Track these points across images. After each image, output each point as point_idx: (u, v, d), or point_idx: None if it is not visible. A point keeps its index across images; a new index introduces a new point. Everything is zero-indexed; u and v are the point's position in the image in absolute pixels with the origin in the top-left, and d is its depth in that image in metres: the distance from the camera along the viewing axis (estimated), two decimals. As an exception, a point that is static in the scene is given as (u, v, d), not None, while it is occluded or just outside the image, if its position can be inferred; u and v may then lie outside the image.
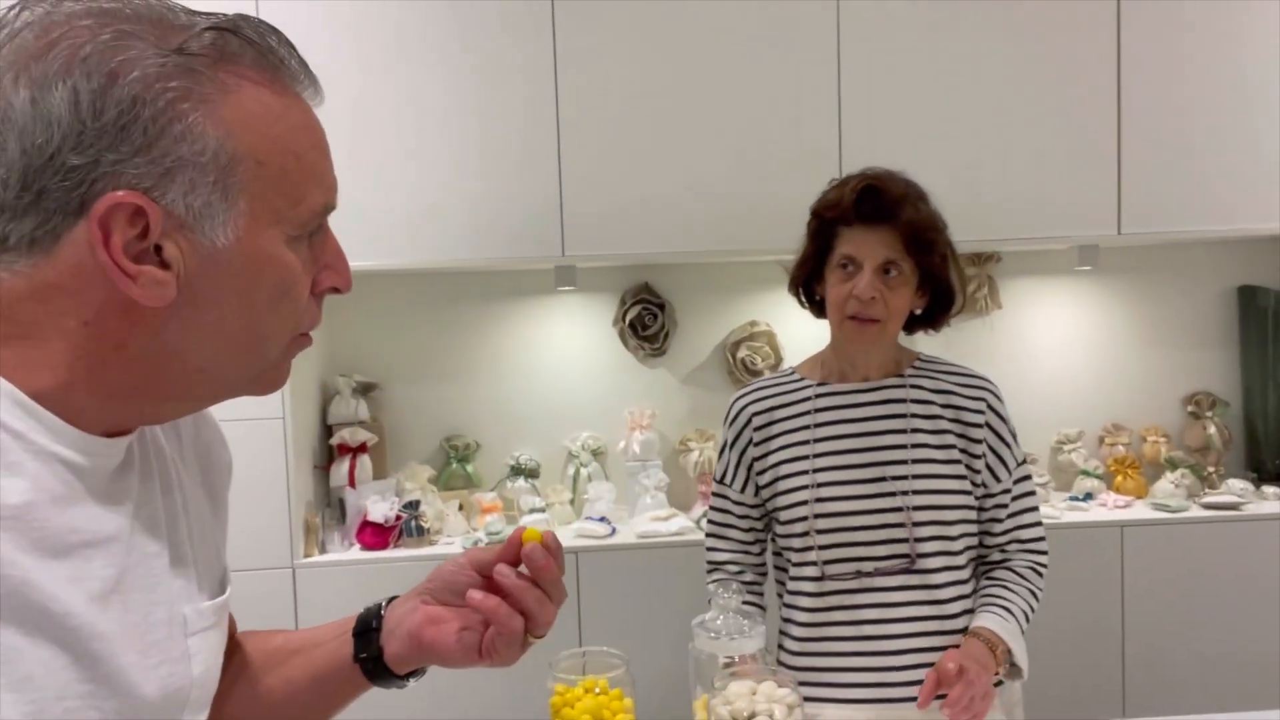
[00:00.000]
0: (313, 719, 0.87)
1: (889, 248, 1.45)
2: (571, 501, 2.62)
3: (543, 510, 2.52)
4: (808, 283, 1.57)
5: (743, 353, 2.66)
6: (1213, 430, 2.67)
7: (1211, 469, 2.61)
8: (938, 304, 1.52)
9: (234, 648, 0.86)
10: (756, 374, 2.65)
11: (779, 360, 2.68)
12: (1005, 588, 1.49)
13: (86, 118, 0.56)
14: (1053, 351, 2.74)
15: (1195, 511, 2.44)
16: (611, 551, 2.37)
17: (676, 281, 2.70)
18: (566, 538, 2.41)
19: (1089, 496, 2.54)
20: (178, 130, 0.59)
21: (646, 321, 2.64)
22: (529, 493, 2.59)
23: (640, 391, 2.71)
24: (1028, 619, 1.47)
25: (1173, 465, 2.57)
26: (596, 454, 2.67)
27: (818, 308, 1.59)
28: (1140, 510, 2.48)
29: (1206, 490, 2.53)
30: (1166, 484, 2.52)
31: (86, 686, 0.60)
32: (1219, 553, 2.37)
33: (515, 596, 0.78)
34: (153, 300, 0.60)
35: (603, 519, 2.44)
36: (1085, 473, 2.61)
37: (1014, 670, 1.45)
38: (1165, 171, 2.37)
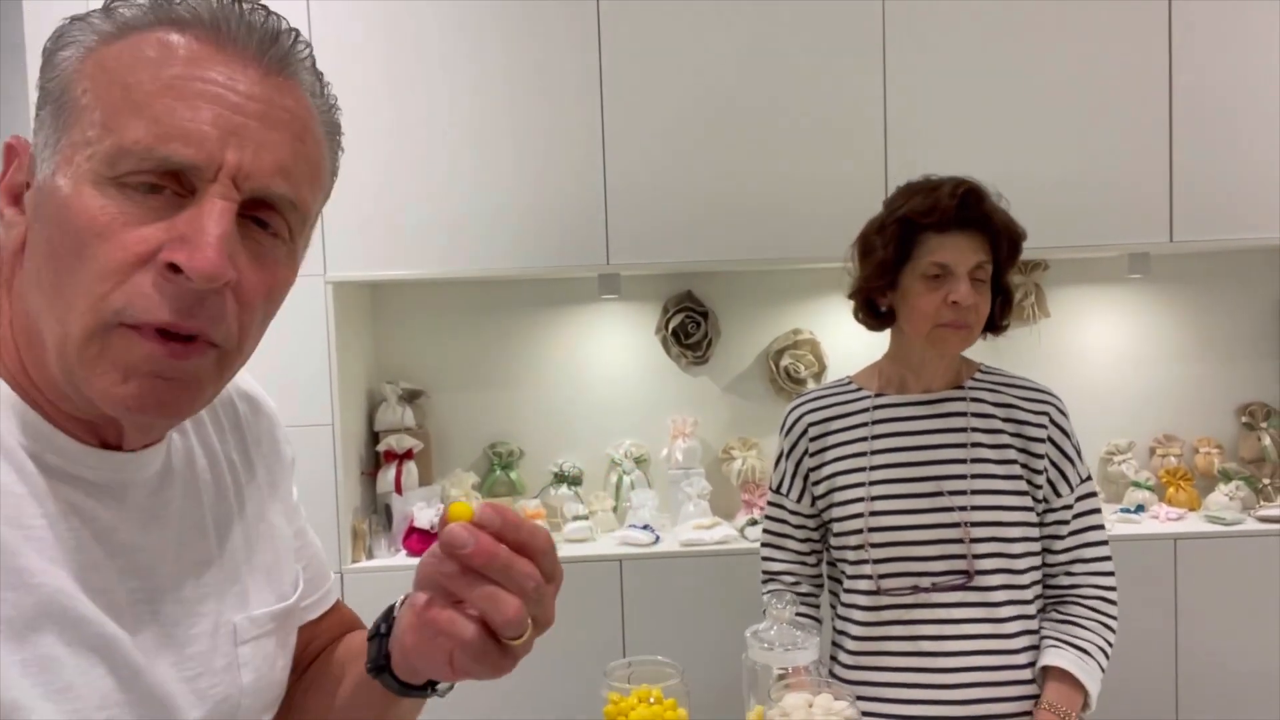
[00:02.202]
0: None
1: (979, 252, 1.44)
2: (614, 509, 2.62)
3: (585, 518, 2.52)
4: (869, 294, 1.54)
5: (785, 361, 2.65)
6: (1268, 441, 2.62)
7: (1267, 481, 2.56)
8: (994, 307, 1.51)
9: (332, 646, 0.83)
10: (799, 382, 2.64)
11: (822, 368, 2.67)
12: (1078, 624, 1.45)
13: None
14: (1102, 361, 2.70)
15: (1250, 524, 2.39)
16: (655, 560, 2.37)
17: (719, 289, 2.70)
18: (610, 545, 2.42)
19: (1141, 509, 2.49)
20: (50, 67, 0.60)
21: (689, 329, 2.64)
22: (572, 500, 2.60)
23: (682, 399, 2.71)
24: (1106, 655, 1.44)
25: (1227, 477, 2.52)
26: (639, 462, 2.67)
27: (878, 319, 1.55)
28: (1194, 523, 2.43)
29: (1261, 503, 2.47)
30: (1220, 496, 2.47)
31: (125, 695, 0.60)
32: (1275, 566, 2.32)
33: (461, 595, 0.59)
34: (8, 243, 0.60)
35: (646, 527, 2.44)
36: (1136, 484, 2.57)
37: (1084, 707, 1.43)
38: (1218, 178, 2.33)
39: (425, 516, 2.42)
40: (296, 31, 0.62)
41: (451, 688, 0.70)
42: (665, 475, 2.65)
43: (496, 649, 0.59)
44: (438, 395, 2.70)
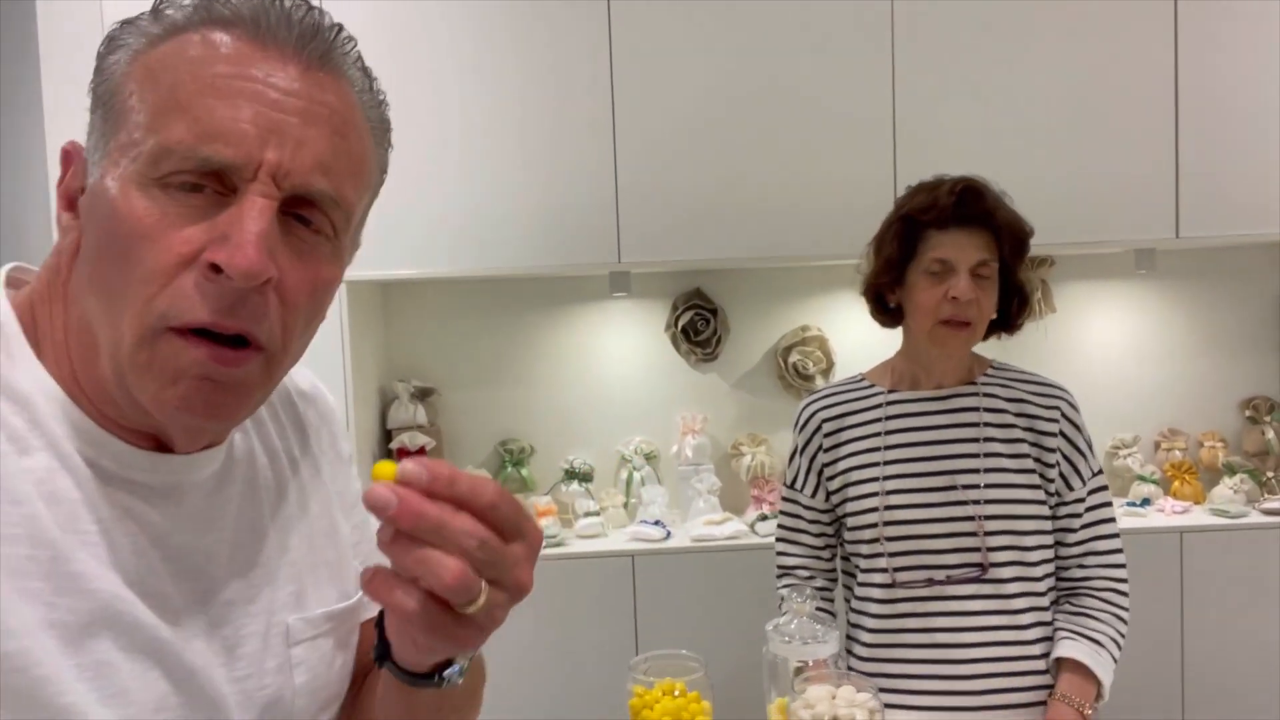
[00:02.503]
0: None
1: (981, 249, 1.46)
2: (625, 505, 2.64)
3: (597, 514, 2.55)
4: (880, 290, 1.57)
5: (794, 357, 2.68)
6: (1271, 435, 2.64)
7: (1270, 474, 2.58)
8: (1010, 305, 1.53)
9: None
10: (808, 379, 2.66)
11: (830, 365, 2.69)
12: (1092, 616, 1.48)
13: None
14: (1107, 355, 2.73)
15: (1255, 517, 2.41)
16: (668, 555, 2.39)
17: (728, 287, 2.72)
18: (622, 541, 2.44)
19: (1146, 502, 2.52)
20: (100, 72, 0.60)
21: (699, 327, 2.66)
22: (583, 496, 2.62)
23: (692, 396, 2.73)
24: (1119, 646, 1.47)
25: (1231, 470, 2.54)
26: (649, 458, 2.70)
27: (889, 316, 1.58)
28: (1199, 516, 2.46)
29: (1265, 495, 2.50)
30: (1225, 489, 2.50)
31: (180, 698, 0.60)
32: (1279, 558, 2.34)
33: (396, 564, 0.53)
34: (64, 247, 0.61)
35: (657, 522, 2.47)
36: (1142, 478, 2.59)
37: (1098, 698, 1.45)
38: (1224, 175, 2.35)
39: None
40: (340, 26, 0.61)
41: (457, 679, 0.62)
42: (675, 471, 2.67)
43: (450, 619, 0.53)
44: (449, 393, 2.72)
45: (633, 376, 2.74)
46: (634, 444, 2.70)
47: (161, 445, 0.63)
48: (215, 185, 0.56)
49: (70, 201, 0.61)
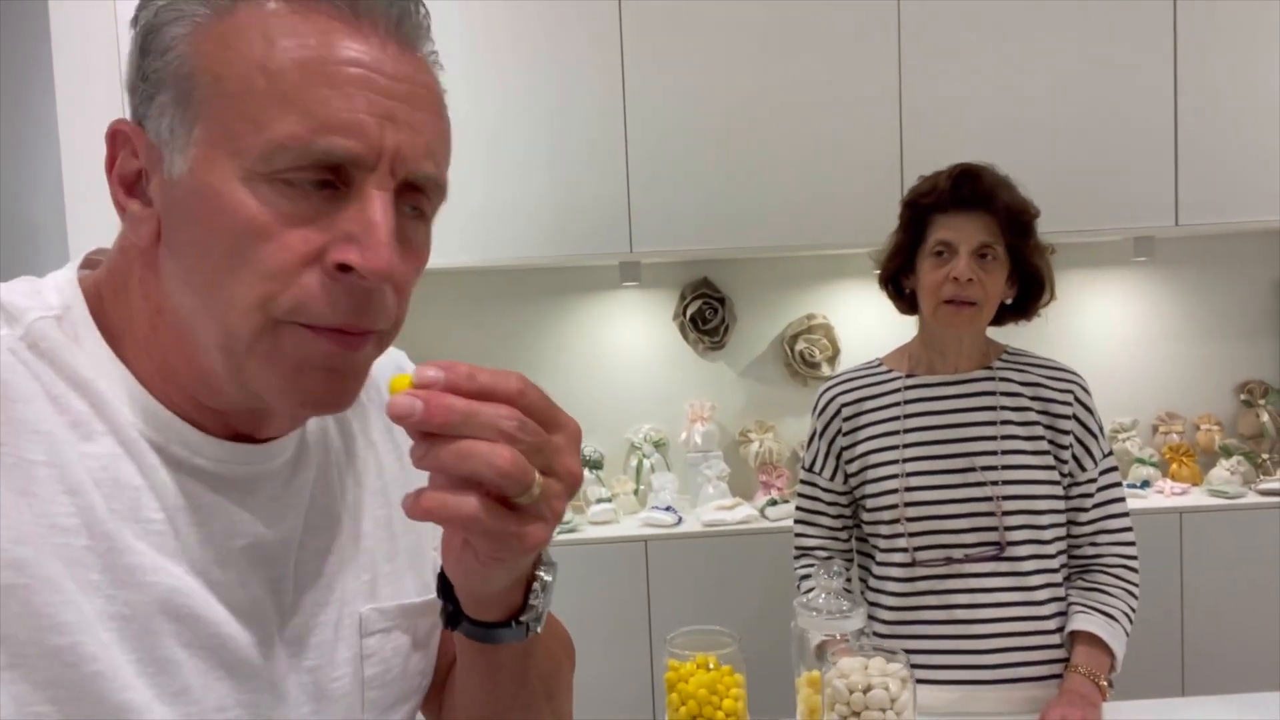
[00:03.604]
0: (501, 703, 0.67)
1: (984, 231, 1.51)
2: (635, 492, 2.68)
3: (609, 500, 2.59)
4: (896, 277, 1.62)
5: (800, 345, 2.72)
6: (1266, 418, 2.71)
7: (1265, 456, 2.65)
8: (1028, 292, 1.57)
9: None
10: (814, 366, 2.70)
11: (836, 352, 2.73)
12: (1104, 591, 1.53)
13: (135, 47, 0.57)
14: (1107, 341, 2.78)
15: (1252, 498, 2.48)
16: (679, 540, 2.43)
17: (736, 276, 2.76)
18: (633, 527, 2.49)
19: (1146, 484, 2.58)
20: (158, 47, 0.55)
21: (707, 316, 2.70)
22: (594, 483, 2.66)
23: (700, 384, 2.77)
24: (1130, 620, 1.52)
25: (1228, 452, 2.61)
26: (658, 445, 2.74)
27: (906, 302, 1.63)
28: (1198, 497, 2.52)
29: (1262, 477, 2.56)
30: (1222, 471, 2.56)
31: (243, 695, 0.59)
32: (1275, 537, 2.41)
33: (438, 469, 0.50)
34: (139, 239, 0.57)
35: (669, 508, 2.51)
36: (1141, 461, 2.65)
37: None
38: (1222, 163, 2.41)
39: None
40: (420, 1, 0.58)
41: (538, 617, 0.61)
42: (684, 458, 2.71)
43: (511, 515, 0.51)
44: (460, 383, 2.75)
45: (642, 365, 2.78)
46: (643, 432, 2.74)
47: (237, 434, 0.61)
48: (330, 177, 0.54)
49: (130, 187, 0.57)
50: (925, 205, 1.54)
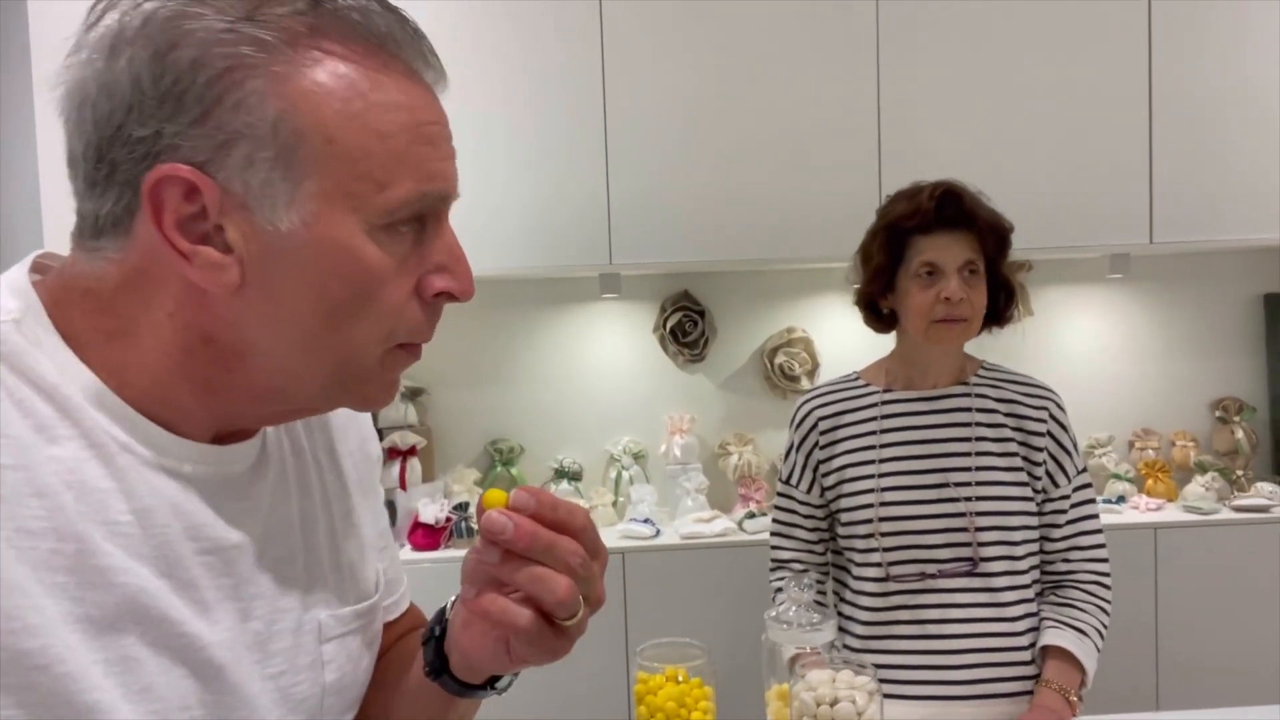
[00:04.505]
0: None
1: (968, 249, 1.52)
2: (614, 504, 2.68)
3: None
4: (870, 299, 1.62)
5: (780, 359, 2.73)
6: (1240, 435, 2.73)
7: (1240, 472, 2.67)
8: (998, 298, 1.58)
9: (394, 645, 0.83)
10: (793, 380, 2.71)
11: (815, 366, 2.74)
12: (1076, 607, 1.53)
13: (145, 86, 0.54)
14: (1083, 357, 2.80)
15: (1226, 514, 2.49)
16: (657, 552, 2.43)
17: (716, 289, 2.77)
18: (611, 539, 2.47)
19: (1122, 499, 2.59)
20: (234, 100, 0.54)
21: (687, 328, 2.71)
22: (572, 495, 2.65)
23: (679, 396, 2.77)
24: (1102, 636, 1.52)
25: (1203, 469, 2.63)
26: (637, 457, 2.73)
27: (883, 322, 1.63)
28: (1173, 512, 2.53)
29: (1236, 493, 2.58)
30: (1197, 487, 2.58)
31: (207, 696, 0.60)
32: (1249, 553, 2.42)
33: (509, 583, 0.61)
34: (213, 285, 0.57)
35: (647, 520, 2.50)
36: (1117, 476, 2.67)
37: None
38: (1197, 181, 2.44)
39: (429, 512, 2.46)
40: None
41: (511, 684, 0.71)
42: (663, 471, 2.71)
43: (552, 632, 0.61)
44: (439, 392, 2.74)
45: (621, 377, 2.78)
46: (622, 443, 2.73)
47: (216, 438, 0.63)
48: (423, 219, 0.62)
49: (201, 235, 0.57)
50: (909, 228, 1.53)
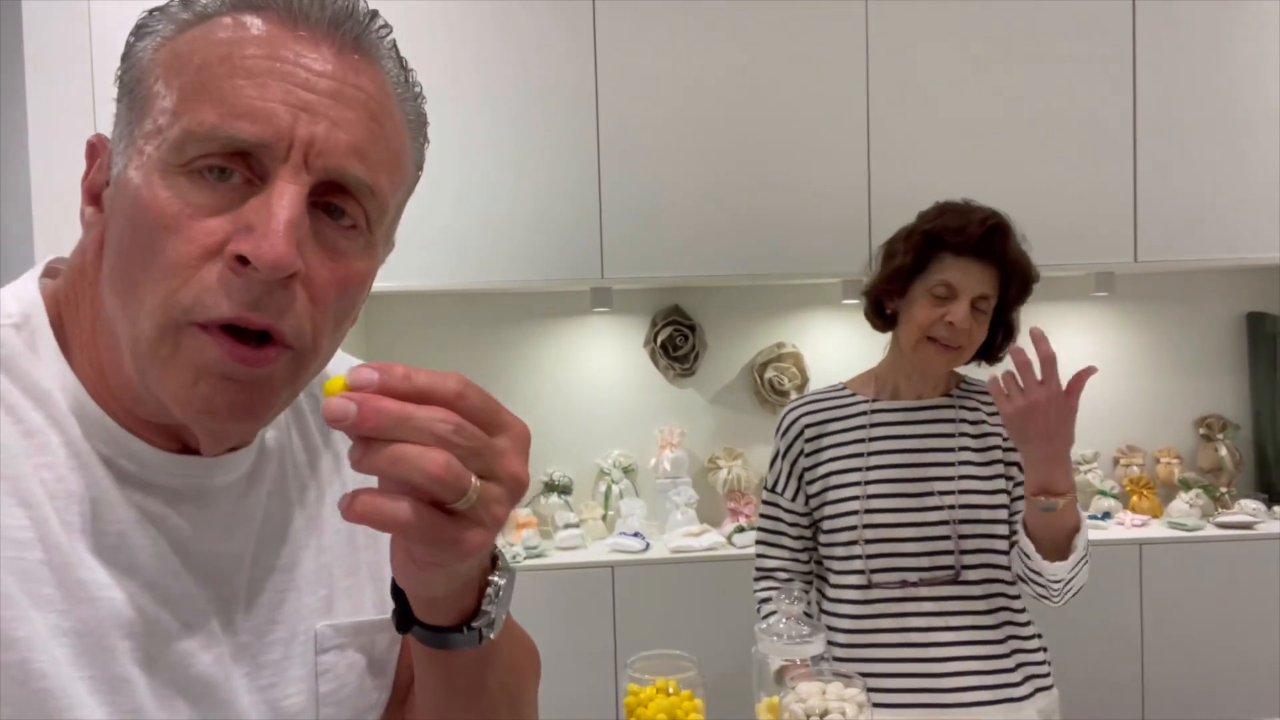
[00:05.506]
0: (455, 712, 0.65)
1: (988, 284, 1.52)
2: (604, 518, 2.68)
3: (577, 526, 2.58)
4: (879, 295, 1.61)
5: (770, 373, 2.74)
6: (1224, 452, 2.76)
7: (1224, 489, 2.70)
8: (996, 336, 1.59)
9: None
10: (783, 394, 2.73)
11: (805, 381, 2.76)
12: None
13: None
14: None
15: (1210, 530, 2.52)
16: (646, 566, 2.43)
17: (706, 303, 2.78)
18: (601, 552, 2.48)
19: (1107, 516, 2.62)
20: (127, 62, 0.58)
21: (678, 343, 2.72)
22: (562, 509, 2.66)
23: (669, 411, 2.78)
24: (1083, 560, 1.46)
25: (1187, 486, 2.65)
26: (627, 471, 2.74)
27: (884, 320, 1.63)
28: (1157, 529, 2.56)
29: (1220, 510, 2.61)
30: (1181, 504, 2.60)
31: (200, 714, 0.59)
32: (1233, 570, 2.45)
33: (379, 473, 0.49)
34: (86, 243, 0.58)
35: (636, 534, 2.51)
36: (1102, 493, 2.69)
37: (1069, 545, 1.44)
38: (1180, 201, 2.47)
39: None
40: (375, 12, 0.58)
41: (490, 623, 0.59)
42: (653, 484, 2.71)
43: (447, 521, 0.49)
44: (430, 405, 2.74)
45: (612, 391, 2.79)
46: (613, 457, 2.74)
47: (188, 447, 0.61)
48: (244, 170, 0.54)
49: (94, 196, 0.58)
50: (948, 242, 1.51)
